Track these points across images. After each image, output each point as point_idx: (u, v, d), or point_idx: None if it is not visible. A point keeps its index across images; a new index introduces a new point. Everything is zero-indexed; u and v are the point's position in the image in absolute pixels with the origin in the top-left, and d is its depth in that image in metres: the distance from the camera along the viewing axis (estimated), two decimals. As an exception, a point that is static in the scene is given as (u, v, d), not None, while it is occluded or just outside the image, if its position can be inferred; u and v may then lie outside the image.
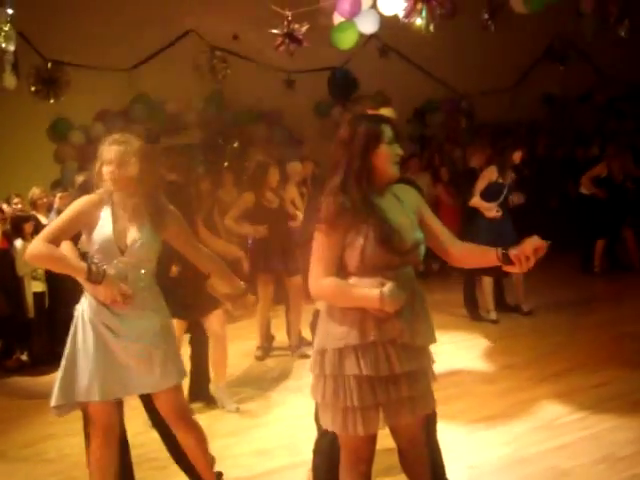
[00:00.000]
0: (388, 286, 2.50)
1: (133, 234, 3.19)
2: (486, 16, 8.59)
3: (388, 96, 3.19)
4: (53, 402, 3.19)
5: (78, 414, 5.13)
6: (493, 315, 7.16)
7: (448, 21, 7.94)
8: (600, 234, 8.85)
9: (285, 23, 7.73)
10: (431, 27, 6.39)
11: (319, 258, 2.63)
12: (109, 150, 3.21)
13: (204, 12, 10.14)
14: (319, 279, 2.62)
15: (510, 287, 7.42)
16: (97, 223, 3.18)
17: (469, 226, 7.18)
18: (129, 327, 3.18)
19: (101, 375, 3.14)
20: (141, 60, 10.48)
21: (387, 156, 2.64)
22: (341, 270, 2.65)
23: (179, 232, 3.38)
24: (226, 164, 10.32)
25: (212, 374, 5.30)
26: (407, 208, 2.72)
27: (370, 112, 3.19)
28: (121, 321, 3.17)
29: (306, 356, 6.41)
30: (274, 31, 7.81)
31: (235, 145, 10.90)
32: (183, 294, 4.62)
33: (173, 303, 3.95)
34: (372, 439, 2.70)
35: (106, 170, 3.18)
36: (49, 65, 9.92)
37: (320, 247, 2.63)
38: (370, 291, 2.53)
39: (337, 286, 2.60)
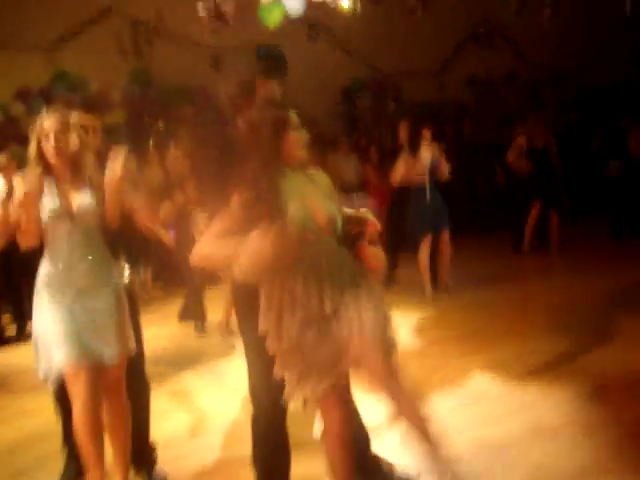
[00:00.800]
0: None
1: (78, 199, 3.27)
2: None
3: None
4: (40, 372, 3.25)
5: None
6: (428, 291, 7.27)
7: (376, 3, 7.97)
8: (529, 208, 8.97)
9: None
10: (357, 7, 6.37)
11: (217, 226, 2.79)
12: (49, 123, 3.24)
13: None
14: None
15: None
16: (42, 198, 3.24)
17: (401, 208, 7.28)
18: (89, 295, 3.26)
19: (74, 338, 3.17)
20: (61, 37, 10.13)
21: (295, 141, 2.78)
22: None
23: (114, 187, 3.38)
24: (151, 143, 10.10)
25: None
26: (321, 186, 2.88)
27: (259, 83, 3.17)
28: (81, 289, 3.25)
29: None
30: (199, 9, 7.67)
31: (160, 124, 10.67)
32: None
33: None
34: None
35: (48, 145, 3.22)
36: (-37, 45, 9.49)
37: (220, 221, 2.78)
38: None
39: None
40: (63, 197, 3.27)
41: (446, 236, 7.24)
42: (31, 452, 4.25)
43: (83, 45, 10.08)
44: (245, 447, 3.22)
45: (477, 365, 5.09)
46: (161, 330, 6.77)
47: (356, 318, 2.71)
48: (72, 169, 3.32)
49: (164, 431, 4.23)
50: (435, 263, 7.43)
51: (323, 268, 2.73)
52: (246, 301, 2.99)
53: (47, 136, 3.22)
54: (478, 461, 3.57)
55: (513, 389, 4.63)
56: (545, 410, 4.21)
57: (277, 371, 2.78)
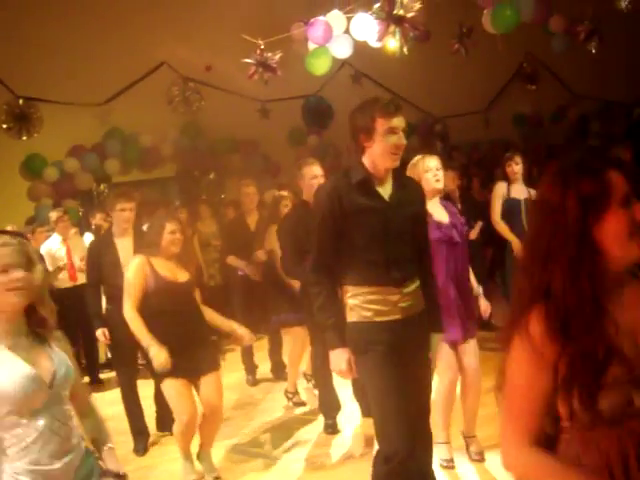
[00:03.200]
0: None
1: (48, 362, 2.33)
2: (456, 44, 8.63)
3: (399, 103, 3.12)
4: None
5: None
6: None
7: (419, 45, 7.99)
8: None
9: (258, 52, 7.73)
10: (405, 49, 6.39)
11: (518, 407, 1.70)
12: (4, 252, 2.25)
13: (176, 44, 10.10)
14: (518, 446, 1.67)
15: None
16: None
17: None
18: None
19: None
20: (113, 94, 10.40)
21: (621, 227, 1.59)
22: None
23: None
24: (203, 197, 10.28)
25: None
26: None
27: (381, 121, 3.14)
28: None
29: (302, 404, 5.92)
30: (247, 60, 7.80)
31: (211, 177, 10.83)
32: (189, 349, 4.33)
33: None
34: None
35: (5, 279, 2.22)
36: (20, 102, 9.81)
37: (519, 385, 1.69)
38: None
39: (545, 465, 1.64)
40: (30, 360, 2.27)
41: None
42: None
43: (135, 100, 10.30)
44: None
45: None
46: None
47: None
48: (20, 319, 2.31)
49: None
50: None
51: None
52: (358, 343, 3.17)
53: (4, 270, 2.23)
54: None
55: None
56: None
57: None
